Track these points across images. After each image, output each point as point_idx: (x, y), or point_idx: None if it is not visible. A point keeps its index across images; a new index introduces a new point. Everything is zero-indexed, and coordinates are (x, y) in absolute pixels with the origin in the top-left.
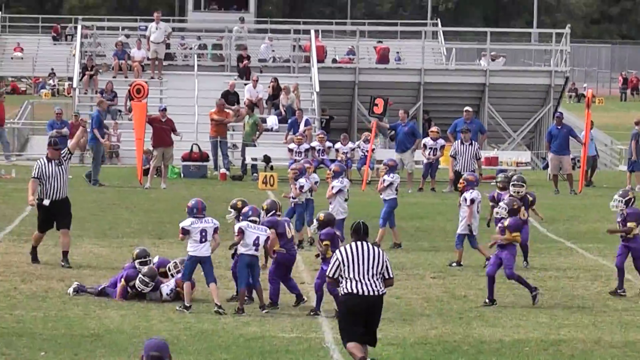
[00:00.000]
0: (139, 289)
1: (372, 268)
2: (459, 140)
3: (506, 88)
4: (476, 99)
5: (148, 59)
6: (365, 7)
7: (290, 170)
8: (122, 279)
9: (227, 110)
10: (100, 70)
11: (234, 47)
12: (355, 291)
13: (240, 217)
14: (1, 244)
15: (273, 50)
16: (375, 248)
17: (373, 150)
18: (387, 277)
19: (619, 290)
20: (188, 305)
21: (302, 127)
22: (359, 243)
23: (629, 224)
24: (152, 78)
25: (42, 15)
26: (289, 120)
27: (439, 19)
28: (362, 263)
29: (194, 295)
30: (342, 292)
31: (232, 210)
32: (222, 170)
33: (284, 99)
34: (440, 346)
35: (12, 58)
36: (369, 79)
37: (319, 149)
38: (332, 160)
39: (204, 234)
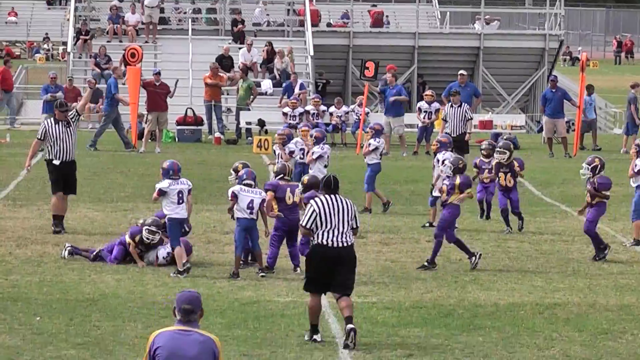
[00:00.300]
0: (147, 240)
1: (344, 220)
2: (449, 103)
3: (500, 51)
4: (470, 62)
5: (142, 23)
6: None
7: (277, 136)
8: (128, 237)
9: (221, 75)
10: (95, 35)
11: (228, 12)
12: (328, 243)
13: (237, 181)
14: None
15: (267, 15)
16: (346, 200)
17: (367, 114)
18: (354, 227)
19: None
20: (182, 269)
21: (296, 91)
22: (331, 196)
23: (603, 192)
24: (146, 42)
25: None
26: (284, 84)
27: None
28: (336, 215)
29: (193, 259)
30: (315, 242)
31: (233, 172)
32: (217, 134)
33: (278, 63)
34: (435, 310)
35: (6, 23)
36: (363, 42)
37: (314, 113)
38: (327, 124)
39: (180, 195)
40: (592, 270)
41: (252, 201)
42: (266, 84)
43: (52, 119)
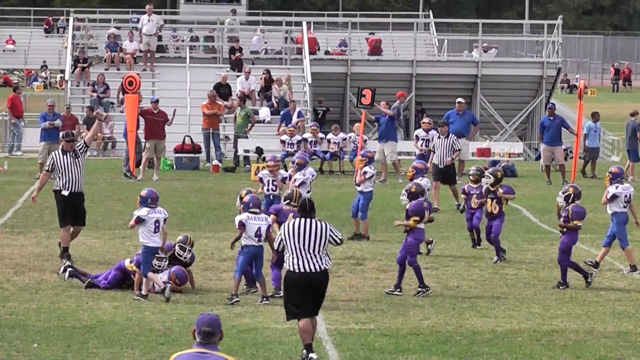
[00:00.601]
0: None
1: (315, 244)
2: (437, 134)
3: (498, 79)
4: (468, 90)
5: (140, 51)
6: None
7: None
8: (134, 265)
9: (219, 103)
10: (93, 63)
11: (226, 39)
12: (297, 268)
13: (241, 208)
14: None
15: (265, 42)
16: (320, 223)
17: (365, 141)
18: (336, 244)
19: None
20: (145, 294)
21: (294, 119)
22: (303, 219)
23: (575, 222)
24: (144, 70)
25: (34, 8)
26: (281, 112)
27: (430, 11)
28: (305, 238)
29: (199, 284)
30: (287, 269)
31: (239, 200)
32: (215, 162)
33: (276, 91)
34: (433, 337)
35: (4, 51)
36: (361, 70)
37: (312, 141)
38: (325, 152)
39: (157, 224)
40: (589, 297)
41: (259, 228)
42: (264, 112)
43: (59, 150)
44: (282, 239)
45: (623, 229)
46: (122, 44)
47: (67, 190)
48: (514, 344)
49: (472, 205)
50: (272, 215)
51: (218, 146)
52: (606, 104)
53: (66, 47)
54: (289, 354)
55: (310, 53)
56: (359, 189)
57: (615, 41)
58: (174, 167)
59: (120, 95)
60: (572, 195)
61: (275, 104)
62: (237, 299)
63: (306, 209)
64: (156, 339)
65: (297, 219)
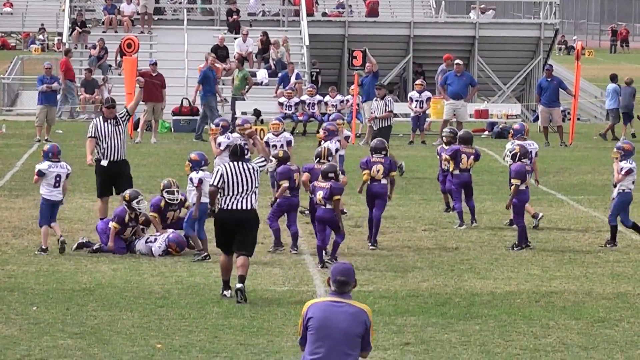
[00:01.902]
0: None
1: (246, 185)
2: (375, 98)
3: (496, 40)
4: (466, 51)
5: (137, 13)
6: None
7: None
8: (113, 222)
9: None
10: (90, 25)
11: (223, 1)
12: (230, 207)
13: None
14: None
15: (263, 4)
16: (251, 166)
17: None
18: (262, 167)
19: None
20: (45, 247)
21: (292, 81)
22: (237, 163)
23: (512, 181)
24: (141, 33)
25: None
26: (279, 74)
27: None
28: (239, 181)
29: (186, 251)
30: (218, 207)
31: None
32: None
33: (274, 53)
34: (432, 298)
35: (1, 13)
36: (358, 32)
37: (309, 103)
38: (322, 114)
39: (58, 178)
40: (588, 258)
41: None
42: (262, 74)
43: (100, 117)
44: (221, 174)
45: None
46: (119, 7)
47: (106, 159)
48: (513, 305)
49: (443, 167)
50: (305, 174)
51: (216, 108)
52: (603, 65)
53: (64, 10)
54: (287, 316)
55: (308, 15)
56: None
57: (612, 2)
58: (172, 129)
59: (119, 58)
60: (519, 154)
61: (272, 66)
62: (205, 254)
63: (237, 154)
64: (155, 301)
65: (230, 163)
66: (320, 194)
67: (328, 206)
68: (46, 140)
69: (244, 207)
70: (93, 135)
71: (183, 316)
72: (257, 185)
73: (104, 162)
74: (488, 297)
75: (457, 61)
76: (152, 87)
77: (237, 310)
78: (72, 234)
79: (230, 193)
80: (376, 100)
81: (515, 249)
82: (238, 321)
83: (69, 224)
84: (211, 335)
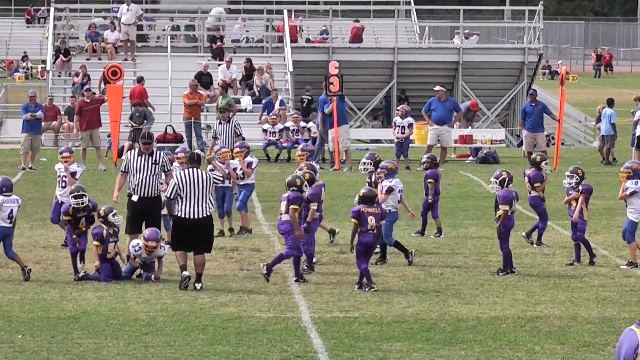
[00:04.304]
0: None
1: (202, 192)
2: (218, 120)
3: (480, 66)
4: (450, 77)
5: (121, 40)
6: None
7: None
8: (94, 241)
9: (200, 92)
10: (74, 53)
11: (206, 28)
12: (184, 214)
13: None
14: None
15: (247, 31)
16: (205, 173)
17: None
18: (220, 182)
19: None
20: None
21: (276, 107)
22: (192, 169)
23: (501, 206)
24: (125, 60)
25: None
26: (263, 101)
27: None
28: (193, 187)
29: (174, 277)
30: (176, 215)
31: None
32: (197, 151)
33: (258, 80)
34: (417, 324)
35: None
36: (342, 58)
37: (294, 129)
38: (306, 140)
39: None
40: (573, 283)
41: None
42: (246, 101)
43: (135, 150)
44: (175, 186)
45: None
46: (103, 34)
47: (137, 194)
48: (498, 330)
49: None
50: (312, 203)
51: (200, 135)
52: (588, 89)
53: (47, 38)
54: (273, 343)
55: (292, 41)
56: (242, 182)
57: (596, 26)
58: None
59: (102, 85)
60: (507, 179)
61: (257, 93)
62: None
63: (194, 160)
64: (140, 328)
65: (186, 169)
66: (373, 220)
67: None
68: (30, 168)
69: (201, 215)
70: (124, 170)
71: (168, 343)
72: (210, 190)
73: (134, 197)
74: (473, 323)
75: (437, 87)
76: (89, 113)
77: (222, 337)
78: (58, 262)
79: (186, 200)
80: (220, 123)
81: (500, 274)
82: (223, 348)
83: (53, 252)
84: None
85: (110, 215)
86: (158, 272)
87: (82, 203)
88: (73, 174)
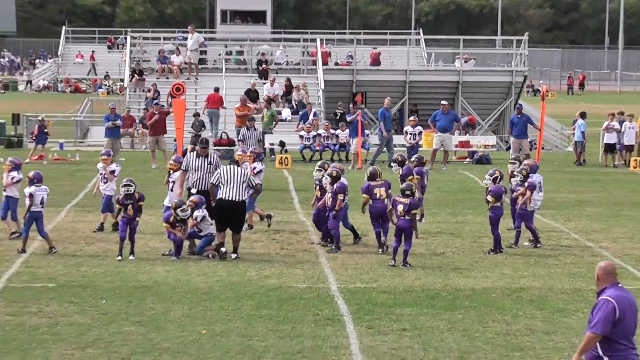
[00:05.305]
0: (179, 217)
1: (237, 181)
2: (245, 127)
3: (476, 85)
4: (452, 94)
5: (185, 63)
6: (360, 19)
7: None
8: (164, 223)
9: (249, 105)
10: (146, 73)
11: (254, 53)
12: (223, 197)
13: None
14: (69, 214)
15: (287, 55)
16: (241, 169)
17: (367, 135)
18: (252, 185)
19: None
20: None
21: (311, 118)
22: (231, 166)
23: (488, 198)
24: (188, 79)
25: (98, 29)
26: (300, 113)
27: (420, 29)
28: (231, 178)
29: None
30: (218, 197)
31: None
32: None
33: (296, 95)
34: (424, 293)
35: (74, 63)
36: (364, 78)
37: (325, 136)
38: (334, 144)
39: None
40: (550, 261)
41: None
42: (286, 112)
43: (194, 152)
44: (219, 175)
45: None
46: (170, 58)
47: (196, 188)
48: (490, 298)
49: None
50: (364, 195)
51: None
52: (563, 104)
53: (125, 60)
54: (307, 308)
55: (323, 64)
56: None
57: (571, 53)
58: None
59: (169, 99)
60: (499, 177)
61: (295, 106)
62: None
63: (234, 161)
64: (200, 296)
65: (228, 166)
66: (400, 208)
67: (407, 217)
68: None
69: (236, 199)
70: (185, 169)
71: (223, 308)
72: (246, 184)
73: (193, 191)
74: (469, 292)
75: (443, 102)
76: (156, 122)
77: (266, 303)
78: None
79: (226, 187)
80: (247, 129)
81: (491, 253)
82: (267, 312)
83: (105, 234)
84: (246, 323)
85: (179, 209)
86: (210, 250)
87: (128, 191)
88: (112, 172)
